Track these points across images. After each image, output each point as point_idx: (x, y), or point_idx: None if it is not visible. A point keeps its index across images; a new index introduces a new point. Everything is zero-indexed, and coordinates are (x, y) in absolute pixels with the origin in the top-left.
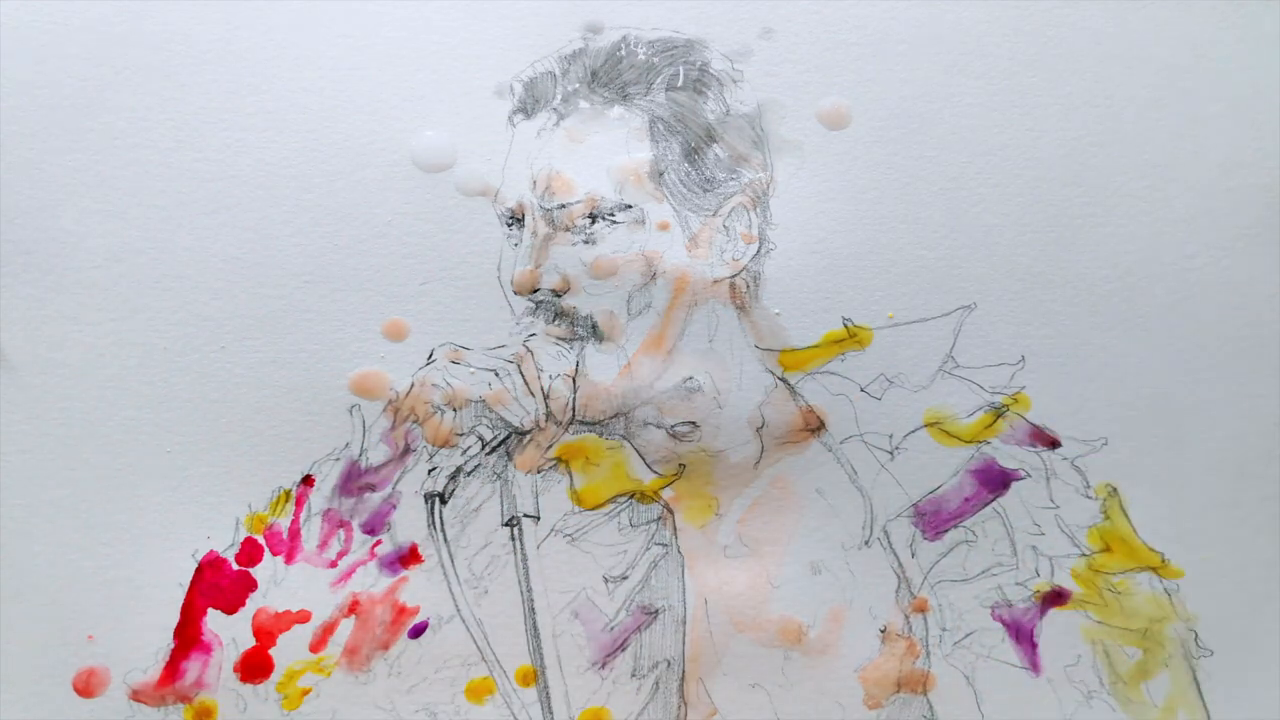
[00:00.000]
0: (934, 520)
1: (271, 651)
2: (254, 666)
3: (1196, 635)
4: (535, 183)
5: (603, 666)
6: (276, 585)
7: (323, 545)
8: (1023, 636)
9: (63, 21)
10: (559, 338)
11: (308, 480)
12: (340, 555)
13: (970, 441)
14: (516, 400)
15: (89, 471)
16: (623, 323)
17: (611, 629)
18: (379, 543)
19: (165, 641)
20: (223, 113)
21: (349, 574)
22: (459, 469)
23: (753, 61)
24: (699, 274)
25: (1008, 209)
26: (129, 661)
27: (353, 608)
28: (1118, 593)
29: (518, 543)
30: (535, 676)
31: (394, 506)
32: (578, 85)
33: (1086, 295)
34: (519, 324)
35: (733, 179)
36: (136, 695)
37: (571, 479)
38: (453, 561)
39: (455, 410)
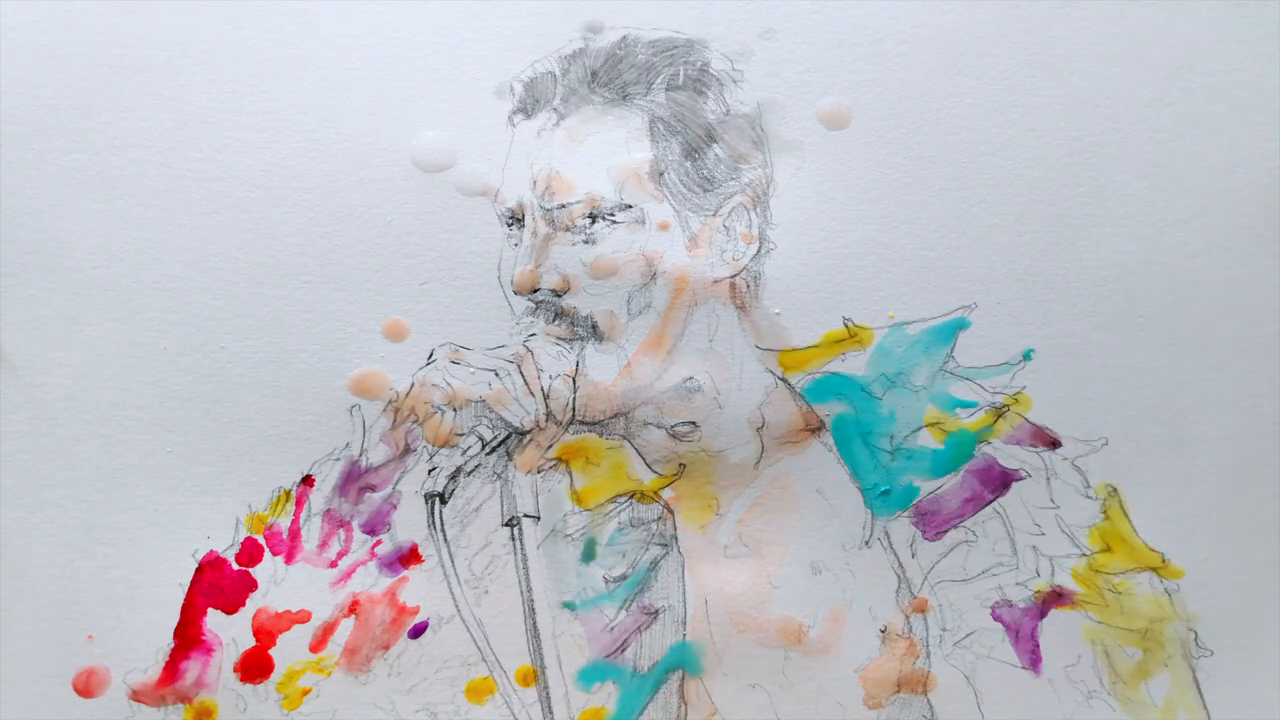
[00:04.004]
0: (934, 520)
1: (271, 651)
2: (254, 666)
3: (1196, 635)
4: (535, 183)
5: None
6: (276, 585)
7: (323, 545)
8: (1023, 636)
9: (63, 21)
10: (559, 338)
11: (308, 480)
12: (340, 555)
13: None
14: (516, 400)
15: (89, 471)
16: (623, 323)
17: (611, 629)
18: (379, 543)
19: (165, 641)
20: (223, 113)
21: (349, 574)
22: (459, 469)
23: (753, 61)
24: (699, 274)
25: (1008, 209)
26: (129, 661)
27: (353, 608)
28: (1118, 593)
29: (518, 543)
30: (535, 676)
31: (394, 506)
32: (578, 85)
33: (1086, 295)
34: (519, 324)
35: (733, 179)
36: (136, 695)
37: (571, 479)
38: (453, 561)
39: (455, 410)
